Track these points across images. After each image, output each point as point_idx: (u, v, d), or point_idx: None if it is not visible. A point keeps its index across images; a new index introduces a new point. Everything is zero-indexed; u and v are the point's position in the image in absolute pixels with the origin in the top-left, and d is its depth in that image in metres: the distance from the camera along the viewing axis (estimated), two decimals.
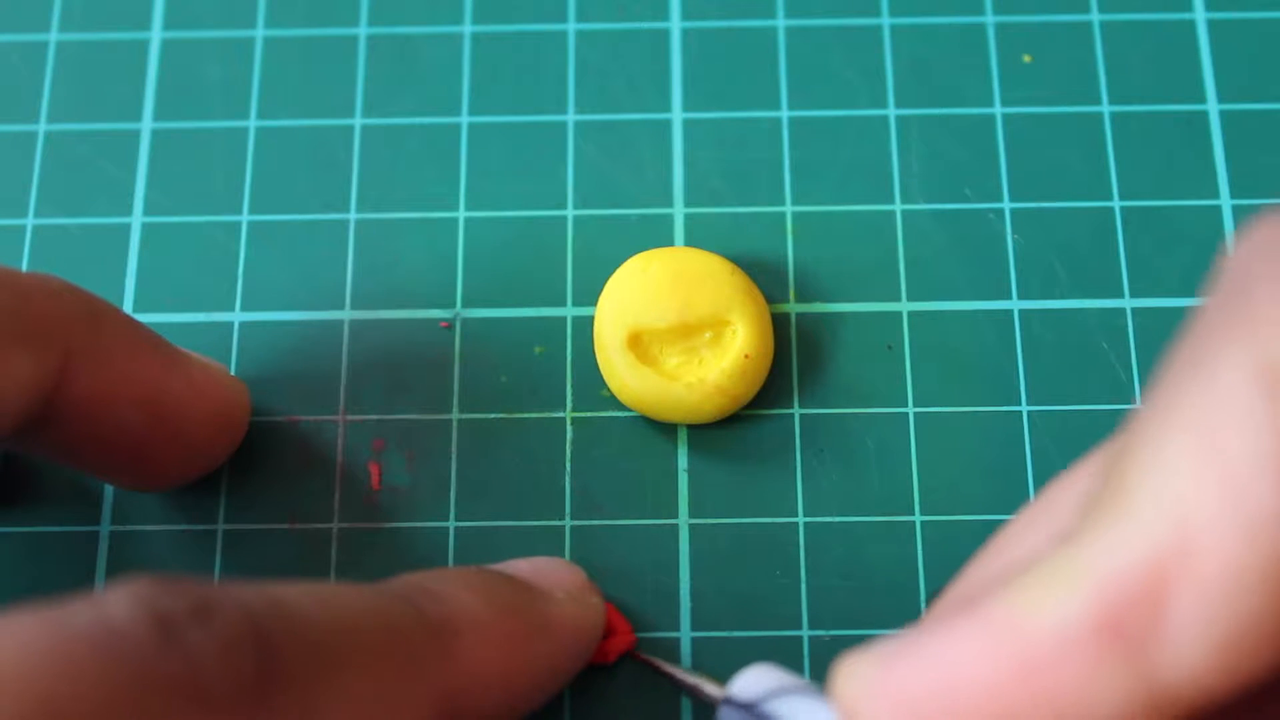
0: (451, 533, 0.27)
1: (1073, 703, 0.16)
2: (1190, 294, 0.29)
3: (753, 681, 0.22)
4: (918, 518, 0.27)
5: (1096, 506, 0.17)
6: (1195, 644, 0.16)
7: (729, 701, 0.22)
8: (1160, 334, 0.28)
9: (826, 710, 0.21)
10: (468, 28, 0.32)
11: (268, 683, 0.18)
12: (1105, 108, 0.31)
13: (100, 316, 0.23)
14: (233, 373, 0.28)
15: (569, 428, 0.28)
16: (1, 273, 0.22)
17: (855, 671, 0.18)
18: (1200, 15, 0.31)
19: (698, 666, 0.26)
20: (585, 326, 0.29)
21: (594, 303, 0.29)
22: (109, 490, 0.28)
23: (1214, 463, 0.16)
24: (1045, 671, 0.16)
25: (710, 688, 0.24)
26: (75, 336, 0.22)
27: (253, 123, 0.31)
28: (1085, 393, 0.28)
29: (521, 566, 0.25)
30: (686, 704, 0.26)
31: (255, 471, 0.28)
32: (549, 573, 0.25)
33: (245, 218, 0.30)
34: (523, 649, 0.22)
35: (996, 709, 0.17)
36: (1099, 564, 0.16)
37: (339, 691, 0.18)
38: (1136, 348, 0.28)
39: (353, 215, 0.30)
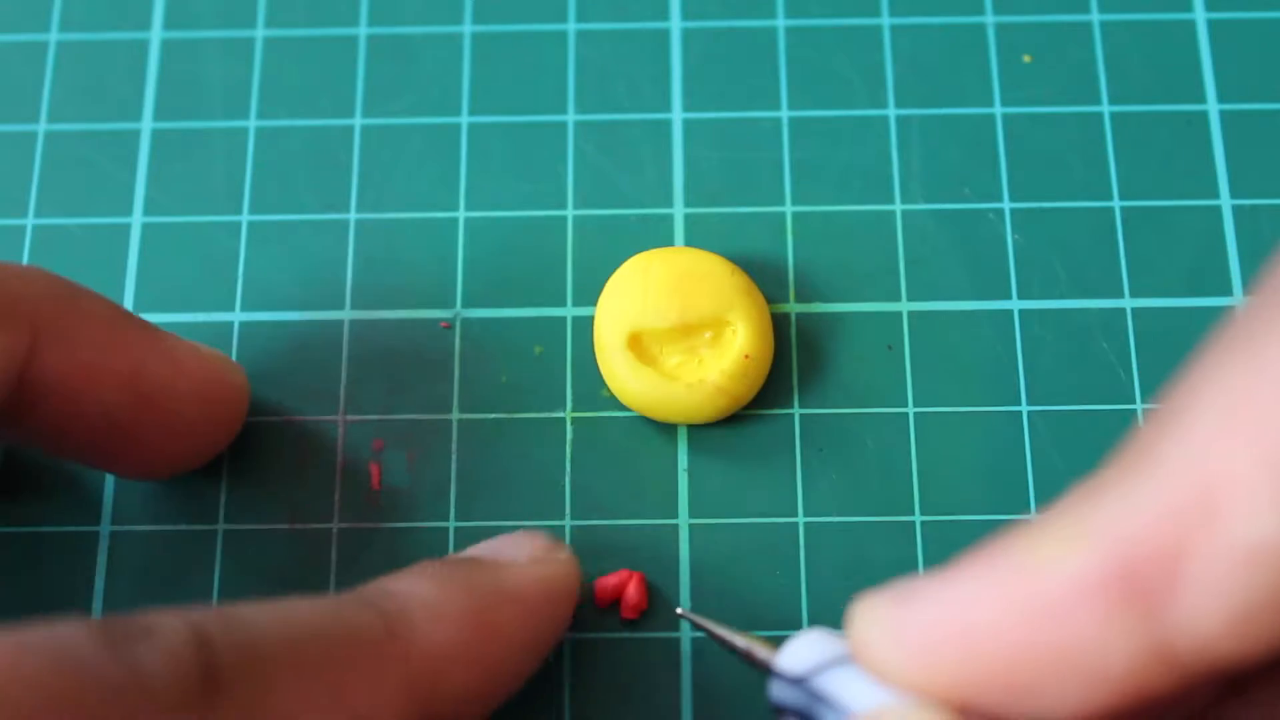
0: (451, 533, 0.27)
1: (1082, 653, 0.16)
2: (1190, 294, 0.29)
3: (803, 652, 0.21)
4: (918, 518, 0.27)
5: (1124, 461, 0.17)
6: (1208, 609, 0.16)
7: (777, 675, 0.21)
8: (1160, 334, 0.28)
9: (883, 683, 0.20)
10: (468, 28, 0.32)
11: (211, 687, 0.18)
12: (1105, 108, 0.31)
13: (73, 296, 0.23)
14: None
15: (569, 428, 0.28)
16: None
17: (871, 611, 0.18)
18: (1200, 15, 0.31)
19: (749, 628, 0.25)
20: (585, 326, 0.29)
21: (594, 303, 0.29)
22: (109, 490, 0.28)
23: (1253, 432, 0.15)
24: (1057, 620, 0.16)
25: (762, 652, 0.22)
26: (44, 314, 0.22)
27: (253, 123, 0.31)
28: (1085, 393, 0.28)
29: (480, 547, 0.25)
30: (687, 676, 0.26)
31: (255, 471, 0.28)
32: (509, 545, 0.24)
33: (245, 218, 0.30)
34: (485, 620, 0.22)
35: (1008, 653, 0.17)
36: (1120, 517, 0.16)
37: (288, 695, 0.19)
38: (1136, 348, 0.28)
39: (353, 215, 0.30)
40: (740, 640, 0.23)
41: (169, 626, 0.18)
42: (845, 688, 0.20)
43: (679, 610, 0.25)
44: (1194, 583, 0.16)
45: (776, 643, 0.22)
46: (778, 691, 0.21)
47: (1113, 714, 0.17)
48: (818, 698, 0.20)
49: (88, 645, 0.18)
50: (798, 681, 0.21)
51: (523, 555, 0.24)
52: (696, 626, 0.25)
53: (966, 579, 0.18)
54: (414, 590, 0.22)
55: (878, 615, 0.18)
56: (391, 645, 0.20)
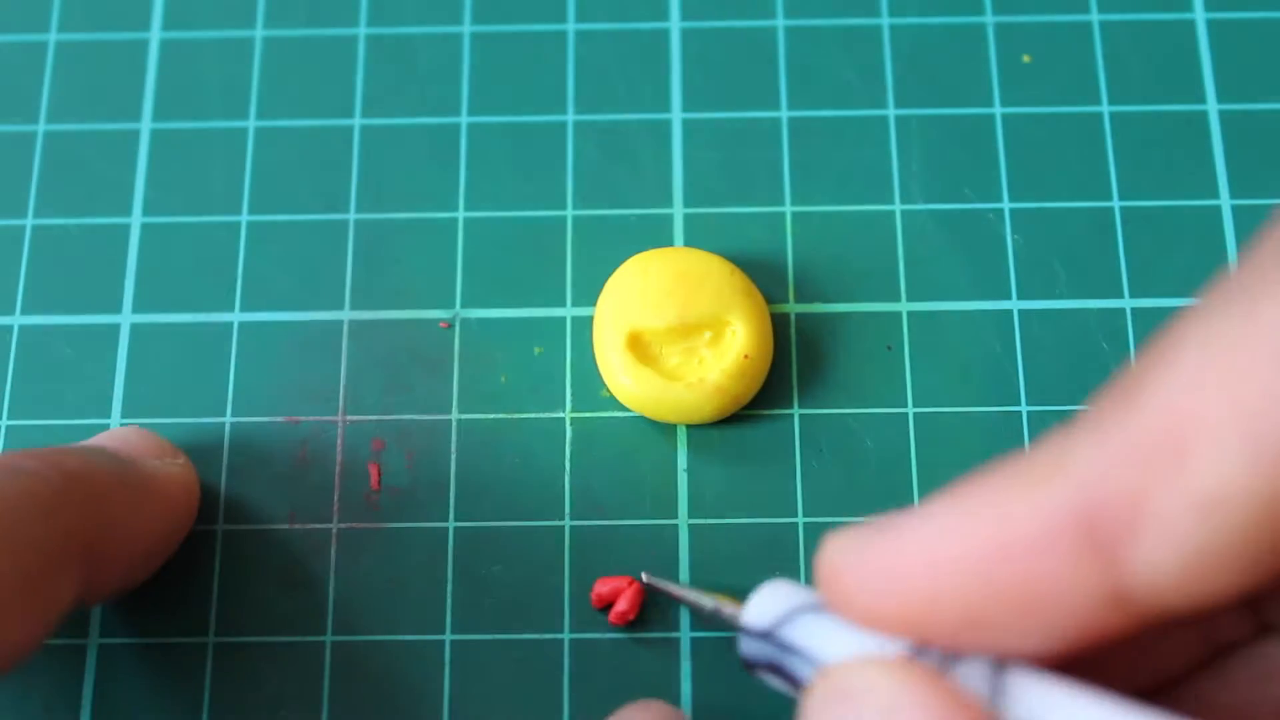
0: (451, 533, 0.27)
1: (1042, 591, 0.17)
2: (1190, 294, 0.29)
3: (767, 604, 0.21)
4: None
5: (1101, 406, 0.17)
6: (1164, 556, 0.16)
7: (744, 630, 0.21)
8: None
9: (846, 624, 0.19)
10: (468, 28, 0.32)
11: None
12: (1105, 108, 0.31)
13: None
14: (231, 374, 0.28)
15: (569, 428, 0.28)
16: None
17: (840, 545, 0.18)
18: (1200, 15, 0.31)
19: (710, 587, 0.25)
20: (585, 326, 0.29)
21: (594, 303, 0.29)
22: None
23: (1229, 379, 0.15)
24: (1019, 560, 0.17)
25: (729, 609, 0.22)
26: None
27: (253, 123, 0.31)
28: (1085, 393, 0.28)
29: (103, 440, 0.26)
30: (687, 676, 0.26)
31: (255, 471, 0.28)
32: (134, 442, 0.26)
33: (245, 218, 0.30)
34: (137, 501, 0.24)
35: (971, 588, 0.17)
36: (1087, 460, 0.16)
37: None
38: (1136, 348, 0.28)
39: (353, 215, 0.30)
40: (707, 601, 0.23)
41: None
42: (813, 636, 0.20)
43: (643, 576, 0.26)
44: (1152, 529, 0.16)
45: (743, 600, 0.22)
46: (746, 647, 0.21)
47: (1071, 654, 0.17)
48: (786, 649, 0.20)
49: None
50: (764, 635, 0.20)
51: (151, 455, 0.26)
52: (659, 592, 0.25)
53: (937, 515, 0.18)
54: (86, 461, 0.24)
55: (845, 549, 0.18)
56: (71, 505, 0.22)
